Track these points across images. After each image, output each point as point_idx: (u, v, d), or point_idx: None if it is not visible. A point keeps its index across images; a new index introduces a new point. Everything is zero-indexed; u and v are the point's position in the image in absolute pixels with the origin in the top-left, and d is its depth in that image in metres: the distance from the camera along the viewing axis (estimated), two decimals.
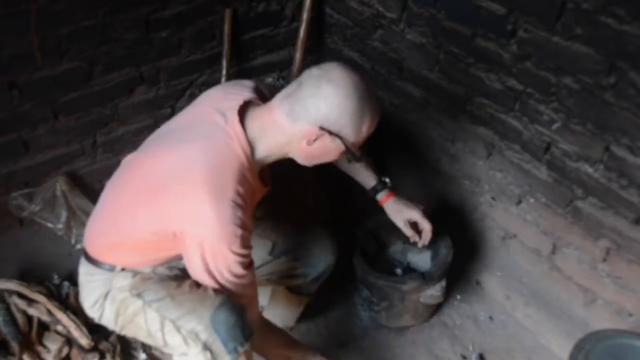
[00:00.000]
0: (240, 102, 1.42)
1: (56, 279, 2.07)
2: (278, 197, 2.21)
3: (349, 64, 2.48)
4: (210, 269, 1.38)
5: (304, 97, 1.35)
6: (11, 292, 1.89)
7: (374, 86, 2.41)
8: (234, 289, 1.43)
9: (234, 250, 1.35)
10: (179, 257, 1.47)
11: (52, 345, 1.82)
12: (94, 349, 1.86)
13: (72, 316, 1.87)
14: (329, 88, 1.34)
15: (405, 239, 2.14)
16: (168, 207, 1.36)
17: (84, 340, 1.83)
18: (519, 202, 2.06)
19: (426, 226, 1.82)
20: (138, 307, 1.49)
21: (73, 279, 2.08)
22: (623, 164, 1.67)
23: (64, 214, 2.18)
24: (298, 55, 2.44)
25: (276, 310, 1.96)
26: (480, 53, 1.91)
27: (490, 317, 2.18)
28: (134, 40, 2.09)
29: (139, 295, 1.49)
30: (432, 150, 2.31)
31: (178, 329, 1.44)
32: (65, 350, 1.83)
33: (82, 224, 2.18)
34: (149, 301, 1.48)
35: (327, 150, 1.42)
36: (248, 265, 1.42)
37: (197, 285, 1.48)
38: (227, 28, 2.26)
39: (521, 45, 1.78)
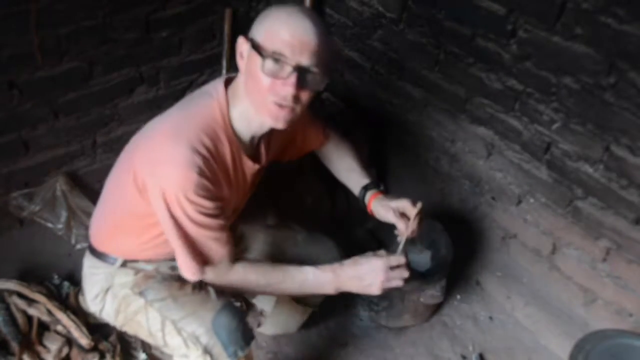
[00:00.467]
0: (226, 77, 1.43)
1: (56, 279, 2.07)
2: (290, 207, 2.21)
3: (348, 64, 2.50)
4: (173, 214, 1.32)
5: None
6: (11, 292, 1.89)
7: (374, 86, 2.43)
8: (195, 237, 1.36)
9: (189, 197, 1.28)
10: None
11: (52, 345, 1.82)
12: (94, 349, 1.85)
13: (72, 316, 1.87)
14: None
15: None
16: (136, 160, 1.36)
17: (84, 340, 1.83)
18: (519, 202, 2.06)
19: (413, 213, 1.60)
20: (140, 305, 1.49)
21: (73, 279, 2.09)
22: (623, 164, 1.67)
23: (64, 214, 2.18)
24: None
25: (280, 317, 1.95)
26: (480, 53, 1.92)
27: (490, 317, 2.18)
28: (134, 40, 2.09)
29: (141, 294, 1.49)
30: (432, 150, 2.31)
31: (179, 331, 1.44)
32: (65, 350, 1.83)
33: (82, 224, 2.19)
34: (150, 300, 1.48)
35: (251, 64, 1.30)
36: (211, 215, 1.35)
37: (200, 287, 1.48)
38: (227, 28, 2.26)
39: (521, 45, 1.78)
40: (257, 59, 1.27)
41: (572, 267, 1.98)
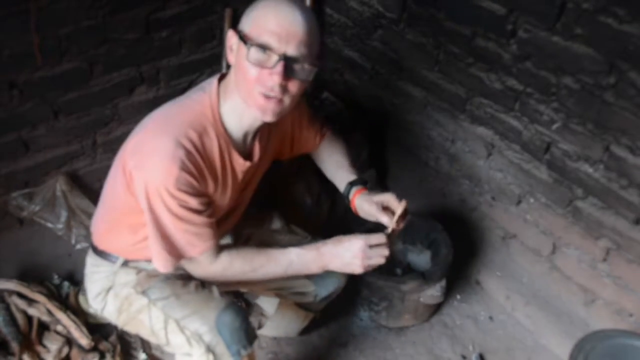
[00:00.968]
0: (224, 72, 1.42)
1: (56, 279, 2.07)
2: (290, 207, 2.21)
3: (348, 64, 2.50)
4: (152, 205, 1.31)
5: None
6: (11, 292, 1.89)
7: (374, 86, 2.42)
8: (175, 231, 1.34)
9: (170, 190, 1.27)
10: None
11: (52, 345, 1.82)
12: (94, 349, 1.85)
13: (72, 316, 1.87)
14: None
15: (405, 239, 2.15)
16: (126, 153, 1.35)
17: (84, 340, 1.83)
18: (519, 202, 2.06)
19: (396, 205, 1.53)
20: (142, 304, 1.49)
21: (73, 279, 2.09)
22: (623, 164, 1.67)
23: (64, 214, 2.18)
24: None
25: (281, 321, 1.95)
26: (480, 53, 1.92)
27: (490, 317, 2.18)
28: (134, 40, 2.09)
29: (144, 293, 1.49)
30: (432, 150, 2.31)
31: (182, 329, 1.44)
32: (65, 350, 1.83)
33: (82, 224, 2.19)
34: (154, 299, 1.47)
35: (238, 56, 1.28)
36: (194, 211, 1.33)
37: (203, 285, 1.48)
38: (227, 28, 2.26)
39: (521, 45, 1.78)
40: (243, 49, 1.25)
41: (572, 267, 1.98)
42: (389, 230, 1.51)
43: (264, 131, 1.47)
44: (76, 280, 2.08)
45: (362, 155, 2.45)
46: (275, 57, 1.23)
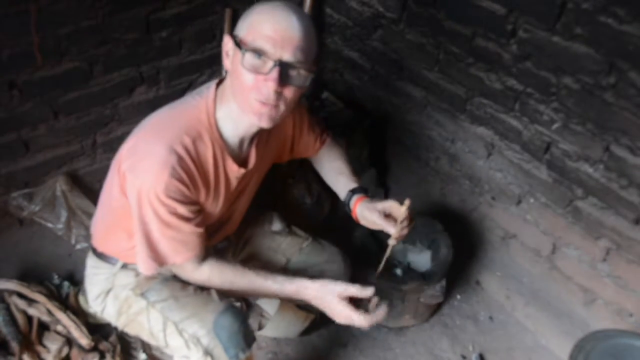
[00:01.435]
0: (221, 78, 1.41)
1: (56, 279, 2.07)
2: (290, 208, 2.20)
3: (348, 64, 2.50)
4: (141, 209, 1.30)
5: None
6: (11, 292, 1.89)
7: (374, 86, 2.43)
8: (161, 236, 1.34)
9: (159, 197, 1.26)
10: None
11: (52, 345, 1.82)
12: (94, 349, 1.85)
13: (72, 316, 1.87)
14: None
15: (405, 239, 2.15)
16: (122, 155, 1.34)
17: (84, 340, 1.83)
18: (519, 202, 2.06)
19: (399, 212, 1.50)
20: (141, 306, 1.49)
21: (73, 279, 2.09)
22: (623, 164, 1.67)
23: (64, 214, 2.18)
24: None
25: (282, 323, 1.95)
26: (480, 53, 1.92)
27: (490, 317, 2.18)
28: (134, 40, 2.09)
29: (142, 295, 1.49)
30: (432, 150, 2.31)
31: (180, 332, 1.44)
32: (65, 350, 1.83)
33: (82, 224, 2.19)
34: (152, 302, 1.47)
35: (234, 62, 1.27)
36: (183, 218, 1.32)
37: (202, 288, 1.48)
38: (227, 28, 2.26)
39: (521, 45, 1.78)
40: (238, 54, 1.24)
41: (572, 267, 1.98)
42: (393, 239, 1.49)
43: (262, 136, 1.45)
44: (76, 280, 2.08)
45: (362, 155, 2.45)
46: (270, 63, 1.21)
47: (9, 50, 1.86)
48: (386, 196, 2.50)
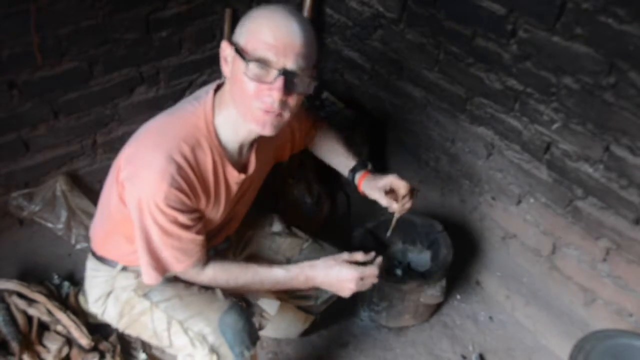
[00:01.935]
0: (221, 82, 1.40)
1: (56, 279, 2.07)
2: (290, 208, 2.20)
3: (348, 64, 2.50)
4: (143, 220, 1.30)
5: None
6: (11, 292, 1.89)
7: (374, 86, 2.42)
8: (162, 246, 1.34)
9: (159, 206, 1.26)
10: None
11: (52, 345, 1.82)
12: (94, 349, 1.86)
13: (72, 316, 1.87)
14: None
15: (405, 239, 2.15)
16: (120, 163, 1.34)
17: (84, 340, 1.83)
18: (519, 202, 2.06)
19: (401, 186, 1.58)
20: (145, 307, 1.49)
21: (73, 279, 2.09)
22: (623, 164, 1.67)
23: (64, 214, 2.18)
24: None
25: (282, 324, 1.95)
26: (480, 53, 1.91)
27: (490, 317, 2.18)
28: (134, 40, 2.09)
29: (145, 296, 1.49)
30: (432, 150, 2.31)
31: (185, 331, 1.44)
32: (65, 350, 1.83)
33: (82, 224, 2.19)
34: (156, 302, 1.48)
35: (235, 70, 1.25)
36: (183, 227, 1.33)
37: (206, 287, 1.48)
38: (227, 28, 2.26)
39: (521, 45, 1.78)
40: (240, 63, 1.22)
41: (572, 267, 1.98)
42: (396, 215, 1.58)
43: (261, 141, 1.44)
44: (76, 280, 2.08)
45: (362, 155, 2.45)
46: (274, 72, 1.20)
47: (9, 50, 1.86)
48: None
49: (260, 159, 1.47)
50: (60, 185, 2.18)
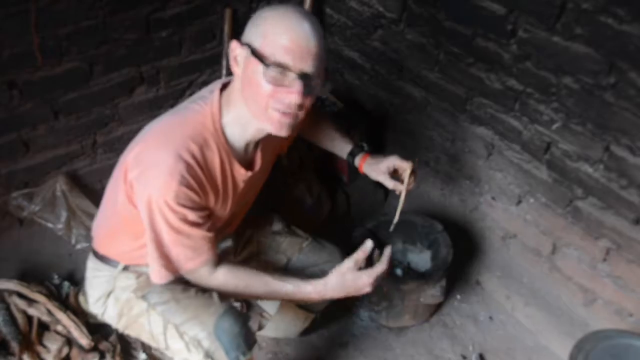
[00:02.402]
0: (225, 81, 1.40)
1: (56, 279, 2.06)
2: (290, 207, 2.20)
3: (348, 64, 2.50)
4: (153, 219, 1.31)
5: None
6: (11, 292, 1.89)
7: (374, 86, 2.42)
8: (173, 244, 1.35)
9: (170, 205, 1.27)
10: None
11: (52, 345, 1.82)
12: (94, 349, 1.85)
13: (72, 316, 1.87)
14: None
15: (405, 239, 2.15)
16: (127, 163, 1.34)
17: (84, 340, 1.83)
18: (519, 202, 2.06)
19: (405, 166, 1.64)
20: (142, 309, 1.49)
21: (73, 279, 2.09)
22: (623, 164, 1.67)
23: (64, 214, 2.18)
24: None
25: (281, 323, 1.95)
26: (480, 53, 1.92)
27: (490, 317, 2.18)
28: (134, 40, 2.09)
29: (143, 297, 1.49)
30: (432, 150, 2.31)
31: (181, 335, 1.44)
32: (65, 350, 1.83)
33: (82, 224, 2.19)
34: (153, 304, 1.47)
35: (249, 71, 1.25)
36: (194, 224, 1.34)
37: (203, 290, 1.48)
38: (227, 28, 2.26)
39: (521, 45, 1.78)
40: (257, 66, 1.22)
41: (572, 267, 1.98)
42: (403, 194, 1.63)
43: (267, 139, 1.45)
44: (76, 280, 2.08)
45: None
46: (292, 76, 1.22)
47: (9, 50, 1.86)
48: (386, 197, 2.50)
49: (265, 156, 1.49)
50: (60, 185, 2.18)
